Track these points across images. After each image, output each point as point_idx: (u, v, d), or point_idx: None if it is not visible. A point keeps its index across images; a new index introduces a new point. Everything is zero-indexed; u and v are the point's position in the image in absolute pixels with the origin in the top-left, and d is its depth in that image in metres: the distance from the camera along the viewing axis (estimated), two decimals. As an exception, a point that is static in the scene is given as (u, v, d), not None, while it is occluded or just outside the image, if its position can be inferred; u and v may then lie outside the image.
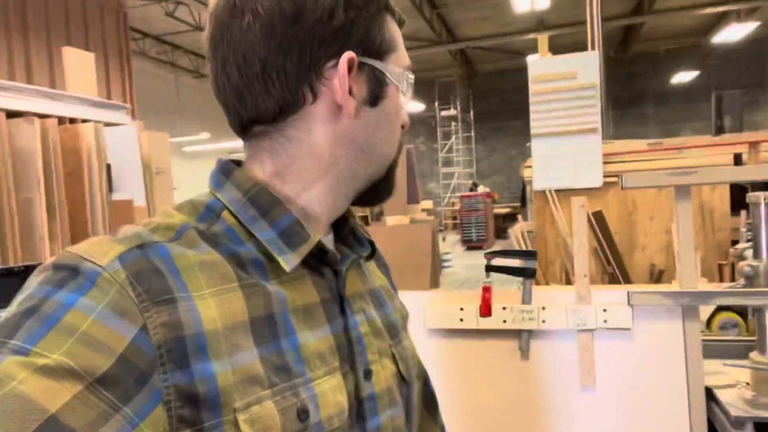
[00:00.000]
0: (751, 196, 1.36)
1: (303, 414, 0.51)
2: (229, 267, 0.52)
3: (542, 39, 2.83)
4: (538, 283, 2.56)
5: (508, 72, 15.62)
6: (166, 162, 3.93)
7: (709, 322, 1.80)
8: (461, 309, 1.44)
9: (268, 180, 0.57)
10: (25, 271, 1.82)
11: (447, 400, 1.31)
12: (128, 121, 3.38)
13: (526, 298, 1.41)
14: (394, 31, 0.60)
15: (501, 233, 12.69)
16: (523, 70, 2.79)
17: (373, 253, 0.67)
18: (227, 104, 0.58)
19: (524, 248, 2.66)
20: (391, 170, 0.63)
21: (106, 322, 0.43)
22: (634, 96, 15.24)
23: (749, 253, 1.40)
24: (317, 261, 0.58)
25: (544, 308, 1.40)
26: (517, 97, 13.98)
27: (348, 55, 0.54)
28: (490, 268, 1.43)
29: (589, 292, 1.38)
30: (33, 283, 0.46)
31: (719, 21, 12.28)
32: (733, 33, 11.31)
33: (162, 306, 0.46)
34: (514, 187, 16.09)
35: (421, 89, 17.03)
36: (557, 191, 2.67)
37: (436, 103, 16.91)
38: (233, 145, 12.86)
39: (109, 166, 3.05)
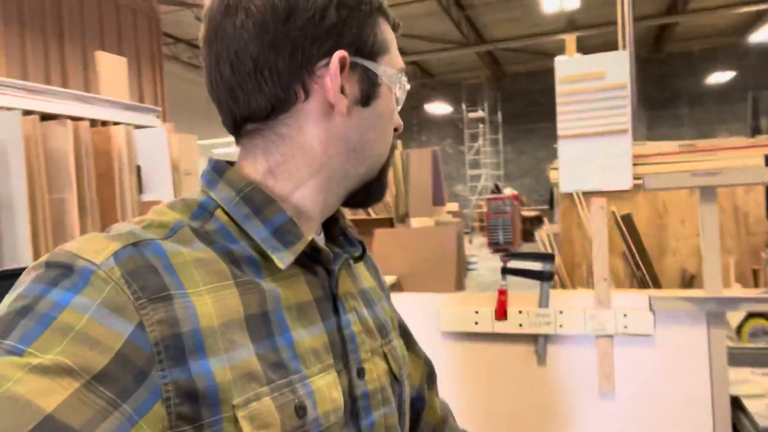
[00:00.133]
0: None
1: (301, 410, 0.51)
2: (223, 264, 0.52)
3: (570, 39, 2.79)
4: (564, 287, 2.52)
5: (537, 73, 15.43)
6: (195, 163, 4.00)
7: (739, 329, 1.74)
8: (476, 312, 1.42)
9: (261, 178, 0.58)
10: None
11: (461, 404, 1.31)
12: (158, 123, 3.45)
13: (543, 302, 1.38)
14: (387, 34, 0.60)
15: (529, 236, 12.53)
16: (552, 71, 2.75)
17: (364, 254, 0.67)
18: (220, 102, 0.58)
19: (550, 252, 2.62)
20: (383, 171, 0.63)
21: (102, 320, 0.43)
22: (668, 97, 14.89)
23: (781, 257, 1.36)
24: (310, 260, 0.58)
25: (561, 312, 1.37)
26: (546, 99, 13.80)
27: (340, 53, 0.55)
28: (506, 271, 1.41)
29: (609, 296, 1.34)
30: (25, 280, 0.46)
31: (756, 20, 11.92)
32: (772, 32, 10.95)
33: (158, 303, 0.46)
34: (543, 189, 15.87)
35: (449, 91, 16.96)
36: (585, 194, 2.62)
37: (464, 105, 16.81)
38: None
39: (139, 168, 3.12)
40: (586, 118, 2.70)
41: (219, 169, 0.58)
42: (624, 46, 6.94)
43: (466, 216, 14.93)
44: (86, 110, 2.88)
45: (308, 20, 0.54)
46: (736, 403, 1.34)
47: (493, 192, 14.00)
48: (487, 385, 1.43)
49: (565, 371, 1.40)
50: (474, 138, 17.00)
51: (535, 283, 1.43)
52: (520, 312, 1.39)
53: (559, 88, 2.72)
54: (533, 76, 15.81)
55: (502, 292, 1.38)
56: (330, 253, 0.59)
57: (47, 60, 4.18)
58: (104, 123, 3.03)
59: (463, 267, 6.44)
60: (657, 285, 2.24)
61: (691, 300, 1.27)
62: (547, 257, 1.37)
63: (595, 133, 2.69)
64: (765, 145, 2.43)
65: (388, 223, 5.47)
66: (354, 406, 0.58)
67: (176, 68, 10.83)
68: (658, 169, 2.51)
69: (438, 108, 16.96)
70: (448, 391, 0.79)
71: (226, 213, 0.55)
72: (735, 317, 1.74)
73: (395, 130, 0.65)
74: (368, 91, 0.58)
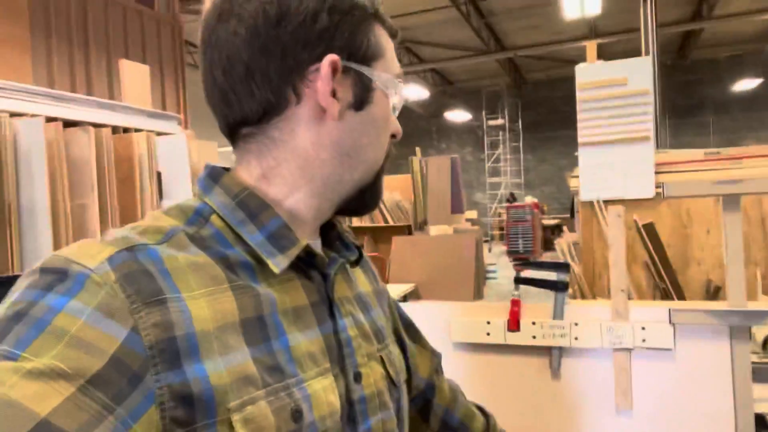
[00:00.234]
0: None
1: (297, 414, 0.51)
2: (219, 269, 0.52)
3: (590, 45, 2.75)
4: (584, 297, 2.47)
5: (558, 81, 15.31)
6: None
7: (765, 343, 1.68)
8: (488, 323, 1.38)
9: (255, 183, 0.58)
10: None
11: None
12: (179, 130, 3.49)
13: (558, 313, 1.33)
14: (383, 39, 0.60)
15: (549, 245, 12.39)
16: (573, 78, 2.72)
17: (360, 258, 0.67)
18: (215, 107, 0.59)
19: (570, 261, 2.57)
20: (378, 177, 0.63)
21: (96, 324, 0.43)
22: (693, 104, 14.64)
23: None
24: (305, 264, 0.58)
25: (576, 324, 1.31)
26: (567, 107, 13.67)
27: (330, 57, 0.55)
28: (519, 281, 1.37)
29: (627, 308, 1.29)
30: (20, 286, 0.46)
31: (785, 26, 11.67)
32: (801, 38, 10.70)
33: (153, 307, 0.46)
34: (564, 198, 15.70)
35: (468, 98, 16.92)
36: (605, 202, 2.58)
37: (484, 113, 16.75)
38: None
39: (159, 174, 3.16)
40: (607, 125, 2.66)
41: (214, 175, 0.58)
42: (647, 53, 6.85)
43: (485, 224, 14.82)
44: (108, 117, 2.93)
45: (299, 25, 0.54)
46: (761, 422, 1.28)
47: (508, 201, 13.89)
48: (498, 399, 1.39)
49: (580, 386, 1.34)
50: (494, 146, 16.91)
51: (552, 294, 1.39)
52: (534, 323, 1.34)
53: (580, 95, 2.69)
54: (554, 83, 15.70)
55: (515, 303, 1.34)
56: (325, 258, 0.60)
57: (73, 67, 4.27)
58: (126, 130, 3.08)
59: (482, 275, 6.38)
60: (681, 296, 2.18)
61: (713, 313, 1.22)
62: (562, 267, 1.32)
63: (617, 141, 2.64)
64: (794, 153, 2.36)
65: (406, 230, 5.45)
66: (351, 410, 0.57)
67: (199, 76, 10.98)
68: (681, 177, 2.45)
69: (457, 115, 16.92)
70: (460, 403, 0.78)
71: (222, 218, 0.56)
72: (761, 331, 1.68)
73: (393, 136, 0.65)
74: (361, 96, 0.58)
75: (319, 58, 0.55)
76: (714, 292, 2.23)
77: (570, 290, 2.40)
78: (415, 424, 0.84)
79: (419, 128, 17.65)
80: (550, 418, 1.37)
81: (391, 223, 5.47)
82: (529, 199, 13.53)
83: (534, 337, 1.35)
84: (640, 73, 2.63)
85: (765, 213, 2.35)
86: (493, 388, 1.40)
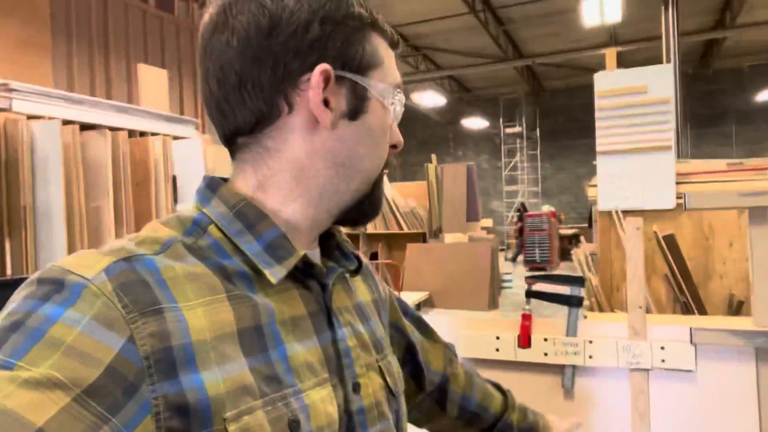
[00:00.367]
0: None
1: (294, 424, 0.50)
2: (216, 279, 0.52)
3: (610, 52, 2.70)
4: (602, 310, 2.41)
5: (577, 89, 15.19)
6: (230, 174, 4.05)
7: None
8: (497, 338, 1.32)
9: (252, 193, 0.58)
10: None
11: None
12: (195, 134, 3.51)
13: (571, 330, 1.27)
14: (380, 49, 0.60)
15: (566, 255, 12.25)
16: (592, 86, 2.67)
17: (360, 268, 0.67)
18: (212, 117, 0.60)
19: (587, 272, 2.51)
20: (376, 187, 0.63)
21: (93, 334, 0.43)
22: (715, 114, 14.42)
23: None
24: (303, 274, 0.58)
25: (591, 342, 1.25)
26: (586, 115, 13.55)
27: (321, 67, 0.55)
28: (530, 294, 1.30)
29: (645, 325, 1.22)
30: (18, 297, 0.47)
31: (812, 35, 11.44)
32: (828, 47, 10.48)
33: (149, 317, 0.46)
34: (582, 207, 15.54)
35: (486, 106, 16.86)
36: (624, 212, 2.52)
37: (501, 120, 16.66)
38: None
39: (174, 178, 3.17)
40: (626, 134, 2.61)
41: (213, 186, 0.59)
42: (668, 62, 6.75)
43: (501, 232, 14.71)
44: (125, 121, 2.95)
45: (291, 35, 0.54)
46: (789, 449, 1.22)
47: (518, 211, 13.78)
48: (507, 419, 1.33)
49: (594, 407, 1.28)
50: (511, 153, 16.81)
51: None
52: (546, 340, 1.28)
53: (599, 103, 2.64)
54: (573, 91, 15.57)
55: (526, 317, 1.28)
56: (323, 268, 0.60)
57: (92, 71, 4.32)
58: (143, 133, 3.10)
59: (497, 285, 6.31)
60: (702, 311, 2.11)
61: (738, 333, 1.15)
62: (577, 281, 1.26)
63: (636, 150, 2.59)
64: (822, 164, 2.29)
65: (421, 237, 5.41)
66: (350, 421, 0.57)
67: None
68: (703, 188, 2.39)
69: (475, 123, 16.86)
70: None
71: (220, 229, 0.56)
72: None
73: (394, 147, 0.64)
74: (356, 105, 0.58)
75: (311, 68, 0.55)
76: (737, 308, 2.16)
77: (587, 302, 2.34)
78: (433, 413, 0.86)
79: (436, 135, 17.62)
80: None
81: (406, 230, 5.43)
82: (546, 208, 13.40)
83: (546, 354, 1.28)
84: (661, 81, 2.57)
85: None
86: (503, 407, 1.34)
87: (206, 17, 0.58)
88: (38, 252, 2.46)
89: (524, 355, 1.30)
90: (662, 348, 1.21)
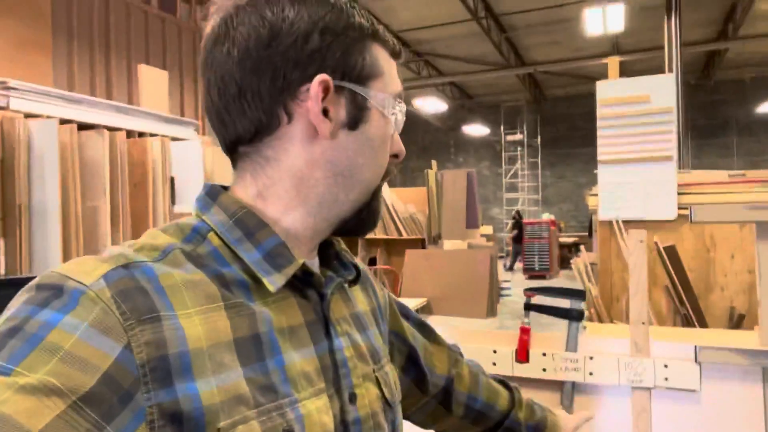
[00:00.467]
0: None
1: None
2: (214, 287, 0.52)
3: (613, 61, 2.69)
4: (601, 321, 2.38)
5: (579, 97, 15.20)
6: (229, 177, 4.03)
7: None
8: (494, 351, 1.28)
9: (252, 202, 0.58)
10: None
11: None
12: (195, 136, 3.49)
13: (571, 345, 1.23)
14: (381, 59, 0.60)
15: (566, 263, 12.23)
16: (594, 95, 2.65)
17: (358, 277, 0.67)
18: (213, 126, 0.60)
19: (587, 282, 2.49)
20: (375, 197, 0.63)
21: (90, 341, 0.44)
22: (716, 125, 14.42)
23: None
24: (302, 283, 0.58)
25: (591, 358, 1.20)
26: (587, 124, 13.56)
27: (320, 77, 0.55)
28: (529, 307, 1.26)
29: (648, 342, 1.17)
30: (17, 303, 0.47)
31: (813, 47, 11.46)
32: (830, 60, 10.49)
33: (146, 324, 0.46)
34: (582, 216, 15.52)
35: (487, 113, 16.87)
36: (625, 222, 2.50)
37: (502, 128, 16.67)
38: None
39: (172, 179, 3.14)
40: (628, 143, 2.59)
41: (213, 194, 0.59)
42: (671, 72, 6.75)
43: (500, 239, 14.69)
44: (124, 121, 2.93)
45: (290, 45, 0.55)
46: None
47: (513, 218, 13.77)
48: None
49: (594, 427, 1.23)
50: (512, 161, 16.80)
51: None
52: (544, 354, 1.24)
53: (601, 111, 2.62)
54: (574, 100, 15.58)
55: (525, 331, 1.23)
56: (322, 277, 0.60)
57: (93, 71, 4.30)
58: (141, 134, 3.08)
59: (496, 292, 6.28)
60: (702, 323, 2.09)
61: (744, 353, 1.11)
62: (577, 294, 1.22)
63: (638, 159, 2.56)
64: (825, 177, 2.27)
65: (420, 243, 5.39)
66: None
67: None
68: (705, 199, 2.36)
69: (476, 129, 16.86)
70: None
71: (219, 236, 0.56)
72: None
73: (396, 156, 0.64)
74: (355, 115, 0.58)
75: (311, 78, 0.55)
76: (738, 321, 2.14)
77: (586, 312, 2.31)
78: (438, 415, 0.86)
79: (437, 141, 17.62)
80: None
81: (405, 235, 5.41)
82: (546, 216, 13.39)
83: (544, 369, 1.24)
84: (663, 91, 2.56)
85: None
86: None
87: (208, 29, 0.59)
88: (33, 251, 2.44)
89: (522, 370, 1.27)
90: (665, 366, 1.17)
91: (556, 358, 1.23)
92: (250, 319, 0.52)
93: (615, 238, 2.46)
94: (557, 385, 1.28)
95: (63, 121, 2.48)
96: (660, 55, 7.37)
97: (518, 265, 13.06)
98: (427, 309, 4.64)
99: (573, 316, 1.21)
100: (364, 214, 0.62)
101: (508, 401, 0.89)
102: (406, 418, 0.84)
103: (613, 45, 11.15)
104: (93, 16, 4.21)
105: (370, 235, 5.54)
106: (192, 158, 3.29)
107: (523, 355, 1.24)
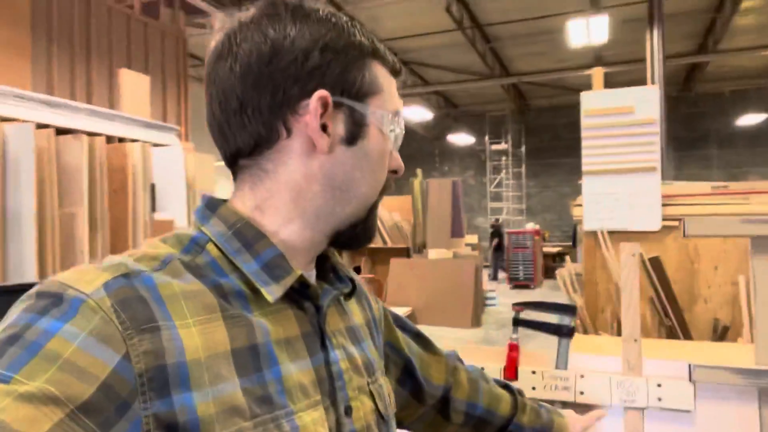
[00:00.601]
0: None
1: None
2: (212, 297, 0.53)
3: (597, 72, 2.70)
4: (586, 332, 2.37)
5: (563, 108, 15.35)
6: (211, 184, 3.97)
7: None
8: (482, 368, 1.24)
9: (250, 214, 0.59)
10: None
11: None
12: (177, 142, 3.43)
13: (561, 363, 1.19)
14: (380, 76, 0.61)
15: (550, 273, 12.28)
16: (577, 106, 2.66)
17: (354, 291, 0.67)
18: (215, 139, 0.61)
19: (572, 293, 2.47)
20: (371, 213, 0.64)
21: (89, 350, 0.44)
22: (696, 137, 14.66)
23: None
24: (299, 295, 0.59)
25: (582, 376, 1.16)
26: (571, 134, 13.68)
27: (319, 93, 0.56)
28: (518, 323, 1.22)
29: (641, 360, 1.13)
30: (16, 310, 0.47)
31: (790, 62, 11.71)
32: (806, 75, 10.73)
33: (145, 334, 0.46)
34: (566, 225, 15.64)
35: (472, 122, 16.96)
36: (610, 232, 2.49)
37: (487, 137, 16.76)
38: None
39: (153, 186, 3.08)
40: (612, 154, 2.59)
41: (212, 206, 0.60)
42: (653, 84, 6.83)
43: (485, 249, 14.73)
44: (103, 126, 2.87)
45: (290, 62, 0.56)
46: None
47: (492, 226, 13.84)
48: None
49: None
50: (496, 170, 16.89)
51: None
52: (534, 372, 1.20)
53: (585, 122, 2.62)
54: (558, 110, 15.74)
55: (513, 348, 1.19)
56: (318, 290, 0.60)
57: (73, 75, 4.23)
58: (121, 140, 3.02)
59: (480, 302, 6.27)
60: (687, 335, 2.09)
61: (739, 372, 1.08)
62: (568, 309, 1.17)
63: (622, 170, 2.57)
64: (807, 190, 2.29)
65: (405, 252, 5.36)
66: None
67: (203, 89, 11.01)
68: (690, 210, 2.37)
69: (461, 139, 16.93)
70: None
71: (218, 247, 0.57)
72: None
73: (395, 172, 0.66)
74: (353, 131, 0.59)
75: (310, 94, 0.57)
76: (722, 333, 2.14)
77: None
78: (436, 424, 0.86)
79: (422, 150, 17.66)
80: None
81: (390, 244, 5.38)
82: (530, 226, 13.45)
83: (534, 388, 1.20)
84: (647, 102, 2.57)
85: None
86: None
87: (212, 45, 0.60)
88: (7, 258, 2.37)
89: None
90: (659, 385, 1.13)
91: (546, 376, 1.19)
92: (247, 329, 0.53)
93: (600, 249, 2.46)
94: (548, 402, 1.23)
95: (40, 126, 2.42)
96: (642, 67, 7.47)
97: (503, 275, 13.10)
98: (411, 318, 4.61)
99: (563, 333, 1.18)
100: (359, 229, 0.63)
101: (511, 406, 0.89)
102: (404, 429, 0.84)
103: (596, 57, 11.29)
104: (74, 20, 4.14)
105: (354, 244, 5.51)
106: (173, 164, 3.24)
107: (511, 372, 1.20)
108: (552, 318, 1.21)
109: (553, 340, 1.22)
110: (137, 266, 0.51)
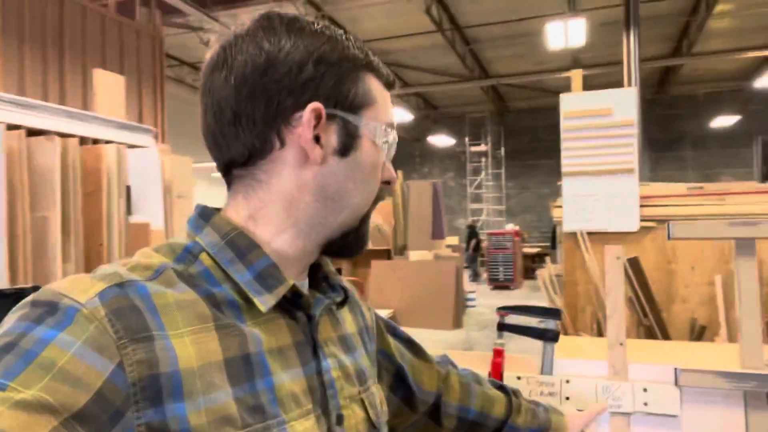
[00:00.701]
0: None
1: None
2: (205, 307, 0.53)
3: (576, 74, 2.72)
4: (567, 333, 2.38)
5: (541, 110, 15.51)
6: (189, 186, 3.91)
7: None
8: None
9: (244, 223, 0.60)
10: (18, 294, 1.73)
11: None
12: (153, 144, 3.37)
13: (546, 368, 1.18)
14: (373, 89, 0.62)
15: (530, 273, 12.37)
16: (556, 108, 2.68)
17: (346, 300, 0.68)
18: (209, 149, 0.62)
19: (552, 293, 2.48)
20: (363, 222, 0.64)
21: (84, 358, 0.44)
22: (672, 139, 14.93)
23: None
24: (291, 304, 0.59)
25: (568, 381, 1.16)
26: (549, 136, 13.81)
27: (313, 105, 0.57)
28: (503, 327, 1.20)
29: (626, 365, 1.13)
30: (11, 319, 0.47)
31: (761, 66, 12.00)
32: (776, 78, 11.00)
33: (139, 343, 0.47)
34: (545, 226, 15.78)
35: (452, 123, 17.04)
36: (589, 233, 2.51)
37: (467, 138, 16.85)
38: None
39: (128, 188, 3.02)
40: (591, 156, 2.61)
41: (205, 215, 0.60)
42: (629, 86, 6.93)
43: (465, 250, 14.80)
44: (77, 127, 2.80)
45: (285, 74, 0.57)
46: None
47: (469, 227, 13.92)
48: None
49: None
50: (476, 172, 16.99)
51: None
52: (519, 378, 1.19)
53: (564, 123, 2.64)
54: (537, 112, 15.89)
55: (498, 353, 1.17)
56: (310, 299, 0.61)
57: (46, 75, 4.13)
58: (96, 141, 2.95)
59: (461, 303, 6.28)
60: (665, 335, 2.11)
61: (725, 375, 1.08)
62: (552, 313, 1.16)
63: (601, 172, 2.59)
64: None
65: (386, 254, 5.35)
66: None
67: (181, 91, 10.86)
68: (667, 211, 2.40)
69: (441, 140, 17.00)
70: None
71: (211, 257, 0.57)
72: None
73: (388, 183, 0.66)
74: (346, 142, 0.60)
75: (304, 106, 0.57)
76: (699, 332, 2.16)
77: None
78: (429, 430, 0.86)
79: (402, 151, 17.63)
80: None
81: (371, 246, 5.36)
82: (510, 227, 13.55)
83: None
84: (625, 104, 2.60)
85: (762, 257, 2.31)
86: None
87: (207, 56, 0.61)
88: (-25, 264, 2.29)
89: None
90: (645, 390, 1.12)
91: (531, 381, 1.18)
92: (240, 339, 0.53)
93: (580, 249, 2.47)
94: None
95: (11, 127, 2.35)
96: (619, 69, 7.57)
97: (484, 274, 13.16)
98: (393, 320, 4.59)
99: (548, 337, 1.17)
100: (351, 238, 0.63)
101: (505, 407, 0.89)
102: None
103: (574, 59, 11.43)
104: (46, 19, 4.04)
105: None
106: (150, 167, 3.18)
107: (497, 378, 1.17)
108: (536, 322, 1.19)
109: (536, 341, 1.21)
110: (131, 276, 0.51)
